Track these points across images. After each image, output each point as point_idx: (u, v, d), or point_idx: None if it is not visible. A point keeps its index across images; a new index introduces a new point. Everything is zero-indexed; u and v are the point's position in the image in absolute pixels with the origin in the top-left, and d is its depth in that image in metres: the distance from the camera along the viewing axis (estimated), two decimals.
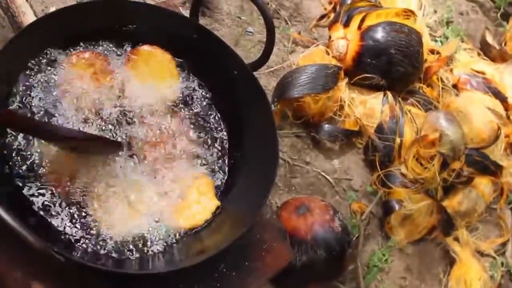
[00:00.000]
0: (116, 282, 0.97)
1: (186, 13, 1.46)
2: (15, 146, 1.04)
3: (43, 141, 1.05)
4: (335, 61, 1.81)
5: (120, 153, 1.11)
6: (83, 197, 1.05)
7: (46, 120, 1.09)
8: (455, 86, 2.04)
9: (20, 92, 1.09)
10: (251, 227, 1.12)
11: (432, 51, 2.01)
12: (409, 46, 1.81)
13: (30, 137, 1.05)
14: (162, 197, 1.11)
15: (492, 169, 1.85)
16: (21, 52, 1.10)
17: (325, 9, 2.06)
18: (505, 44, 2.26)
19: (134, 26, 1.23)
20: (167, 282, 1.06)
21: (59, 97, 1.12)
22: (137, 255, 1.04)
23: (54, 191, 1.03)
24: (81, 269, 0.93)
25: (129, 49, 1.23)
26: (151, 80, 1.22)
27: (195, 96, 1.25)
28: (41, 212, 1.01)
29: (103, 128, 1.13)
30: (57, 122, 1.09)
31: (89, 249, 1.00)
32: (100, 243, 1.02)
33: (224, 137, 1.23)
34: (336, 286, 1.57)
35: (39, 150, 1.05)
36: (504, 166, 1.89)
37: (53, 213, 1.01)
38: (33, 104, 1.09)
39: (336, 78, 1.74)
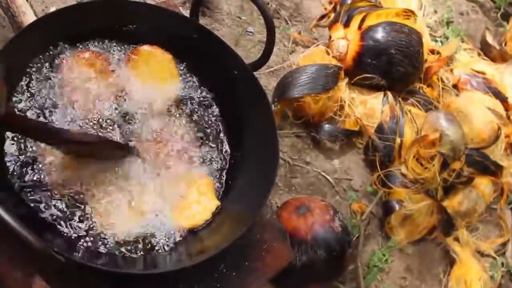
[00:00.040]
0: (116, 282, 0.97)
1: (186, 13, 1.46)
2: (15, 149, 1.04)
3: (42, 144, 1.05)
4: (335, 61, 1.81)
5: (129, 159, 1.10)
6: (83, 196, 1.04)
7: (46, 120, 1.09)
8: (455, 86, 2.04)
9: (20, 93, 1.09)
10: (251, 227, 1.11)
11: (432, 51, 2.01)
12: (409, 46, 1.81)
13: (30, 140, 1.05)
14: (162, 197, 1.11)
15: (492, 169, 1.85)
16: (21, 52, 1.10)
17: (325, 9, 2.06)
18: (505, 44, 2.26)
19: (134, 26, 1.23)
20: (167, 282, 1.06)
21: (59, 97, 1.12)
22: (137, 255, 1.03)
23: (54, 191, 1.03)
24: (82, 269, 0.93)
25: (129, 49, 1.23)
26: (151, 80, 1.22)
27: (195, 96, 1.24)
28: (41, 212, 1.00)
29: (103, 128, 1.13)
30: (57, 122, 1.09)
31: (90, 249, 1.00)
32: (101, 243, 1.02)
33: (224, 137, 1.23)
34: (336, 286, 1.57)
35: (39, 152, 1.05)
36: (504, 166, 1.89)
37: (53, 213, 1.01)
38: (33, 105, 1.09)
39: (336, 78, 1.74)
